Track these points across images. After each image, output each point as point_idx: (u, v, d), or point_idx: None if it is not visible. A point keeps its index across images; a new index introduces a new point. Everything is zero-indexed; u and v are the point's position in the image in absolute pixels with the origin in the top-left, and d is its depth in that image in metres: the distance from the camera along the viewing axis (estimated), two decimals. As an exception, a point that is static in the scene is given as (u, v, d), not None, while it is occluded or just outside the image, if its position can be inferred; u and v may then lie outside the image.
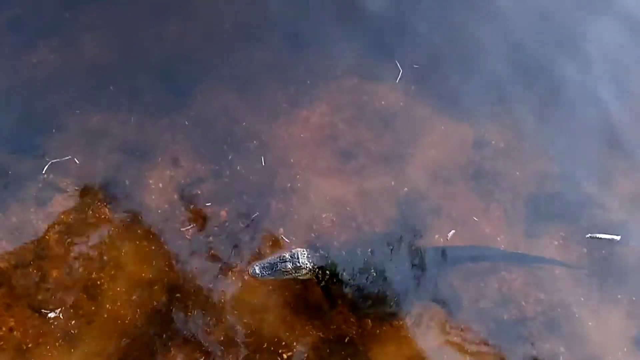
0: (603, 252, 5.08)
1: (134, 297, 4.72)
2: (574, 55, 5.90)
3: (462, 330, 4.76)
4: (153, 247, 4.89)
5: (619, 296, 4.96)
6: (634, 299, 4.96)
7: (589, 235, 5.06)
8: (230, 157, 5.24)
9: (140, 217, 5.00)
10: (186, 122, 5.37)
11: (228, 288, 4.79)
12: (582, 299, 4.91)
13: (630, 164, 5.45)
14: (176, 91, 5.51)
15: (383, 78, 5.65)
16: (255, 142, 5.33)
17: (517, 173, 5.33)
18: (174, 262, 4.84)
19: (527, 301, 4.87)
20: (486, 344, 4.75)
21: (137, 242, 4.91)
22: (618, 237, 5.06)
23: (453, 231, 5.02)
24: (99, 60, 5.58)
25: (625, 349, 4.81)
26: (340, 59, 5.70)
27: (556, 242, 5.09)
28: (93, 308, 4.68)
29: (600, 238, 5.07)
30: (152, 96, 5.47)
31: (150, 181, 5.12)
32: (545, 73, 5.81)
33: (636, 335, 4.86)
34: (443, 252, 4.94)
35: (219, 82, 5.56)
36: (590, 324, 4.85)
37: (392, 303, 4.80)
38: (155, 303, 4.70)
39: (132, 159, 5.20)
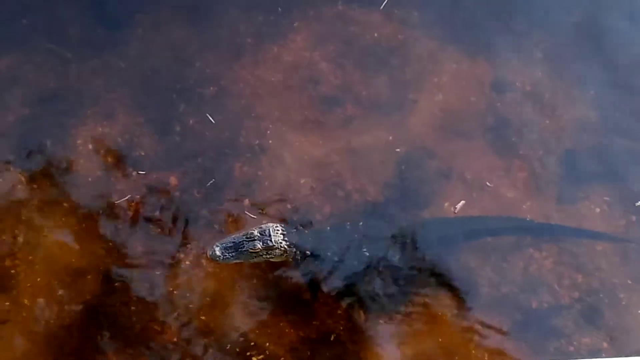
0: None
1: (59, 290, 4.38)
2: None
3: (479, 322, 4.48)
4: (83, 226, 4.58)
5: None
6: None
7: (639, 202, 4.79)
8: (180, 108, 4.97)
9: (65, 188, 4.73)
10: (123, 64, 5.17)
11: (181, 275, 4.51)
12: (630, 281, 4.62)
13: None
14: (109, 23, 5.34)
15: (375, 2, 5.36)
16: (212, 88, 5.09)
17: (548, 122, 5.08)
18: (111, 244, 4.55)
19: (561, 285, 4.60)
20: (510, 338, 4.45)
21: (63, 220, 4.63)
22: None
23: (463, 201, 4.76)
24: (6, -17, 5.30)
25: None
26: None
27: (598, 209, 4.82)
28: (7, 304, 4.39)
29: None
30: (78, 30, 5.23)
31: (78, 141, 4.84)
32: None
33: (695, 327, 4.58)
34: (455, 224, 4.70)
35: (164, 11, 5.40)
36: (638, 312, 4.51)
37: (389, 290, 4.53)
38: (88, 297, 4.40)
39: (54, 112, 4.97)
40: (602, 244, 4.73)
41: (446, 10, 5.40)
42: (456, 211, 4.74)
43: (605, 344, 4.48)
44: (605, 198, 4.85)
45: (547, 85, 5.19)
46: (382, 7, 5.30)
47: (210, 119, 4.86)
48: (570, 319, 4.53)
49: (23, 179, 4.76)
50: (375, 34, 5.30)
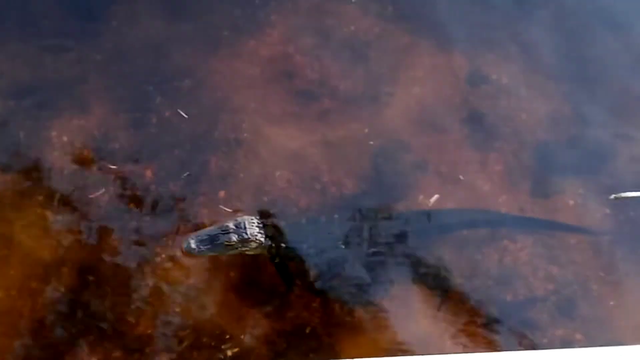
0: (631, 213, 4.83)
1: (33, 284, 4.33)
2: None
3: (454, 314, 4.50)
4: (58, 219, 4.49)
5: None
6: None
7: (614, 196, 4.82)
8: (157, 100, 4.89)
9: (39, 180, 4.62)
10: (98, 56, 5.04)
11: (156, 268, 4.45)
12: (603, 273, 4.66)
13: None
14: (85, 15, 5.20)
15: None
16: (188, 81, 5.00)
17: (524, 116, 5.08)
18: (85, 237, 4.47)
19: (536, 277, 4.62)
20: (484, 330, 4.49)
21: (37, 213, 4.51)
22: None
23: (437, 196, 4.76)
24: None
25: None
26: None
27: (572, 202, 4.84)
28: (-21, 297, 4.35)
29: (628, 197, 4.82)
30: (53, 22, 5.14)
31: (53, 133, 4.74)
32: None
33: (669, 317, 4.62)
34: (430, 217, 4.69)
35: (140, 3, 5.27)
36: (612, 303, 4.59)
37: (365, 283, 4.54)
38: (62, 290, 4.33)
39: (28, 105, 4.84)
40: (576, 236, 4.75)
41: (422, 4, 5.39)
42: (430, 205, 4.74)
43: (578, 336, 4.51)
44: (579, 191, 4.87)
45: (522, 79, 5.20)
46: (353, 0, 5.28)
47: (183, 114, 4.83)
48: (544, 311, 4.55)
49: (-4, 171, 4.69)
50: (352, 28, 5.28)
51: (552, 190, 4.88)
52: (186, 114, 4.82)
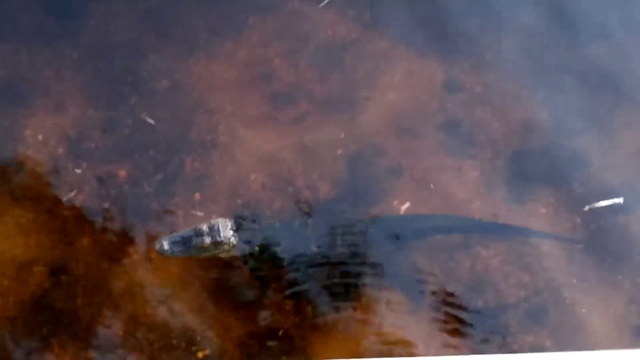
0: (602, 222, 4.80)
1: (4, 282, 4.37)
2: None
3: (426, 319, 4.50)
4: (30, 218, 4.52)
5: (620, 277, 4.69)
6: (638, 280, 4.70)
7: (588, 207, 4.83)
8: (132, 101, 4.85)
9: (12, 179, 4.63)
10: (75, 55, 4.96)
11: (128, 269, 4.46)
12: (575, 280, 4.65)
13: (635, 111, 5.20)
14: (62, 13, 5.11)
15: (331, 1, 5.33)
16: (165, 81, 4.94)
17: (497, 123, 5.05)
18: (58, 236, 4.49)
19: (508, 284, 4.61)
20: (456, 336, 4.50)
21: (9, 211, 4.54)
22: (620, 200, 4.82)
23: (408, 204, 4.74)
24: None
25: (626, 341, 4.57)
26: None
27: (544, 210, 4.82)
28: (-50, 296, 4.35)
29: (601, 207, 4.84)
30: (29, 20, 5.05)
31: (27, 132, 4.73)
32: None
33: (639, 325, 4.61)
34: (403, 222, 4.70)
35: (118, 2, 5.17)
36: (583, 311, 4.58)
37: (338, 286, 4.54)
38: (33, 289, 4.36)
39: (3, 102, 4.82)
40: (548, 243, 4.73)
41: (399, 11, 5.35)
42: (401, 213, 4.73)
43: (548, 342, 4.50)
44: (552, 199, 4.85)
45: (497, 88, 5.18)
46: (321, 5, 5.26)
47: (150, 120, 4.83)
48: (515, 318, 4.53)
49: (-32, 168, 4.63)
50: (329, 32, 5.23)
51: (525, 198, 4.86)
52: (154, 120, 4.82)
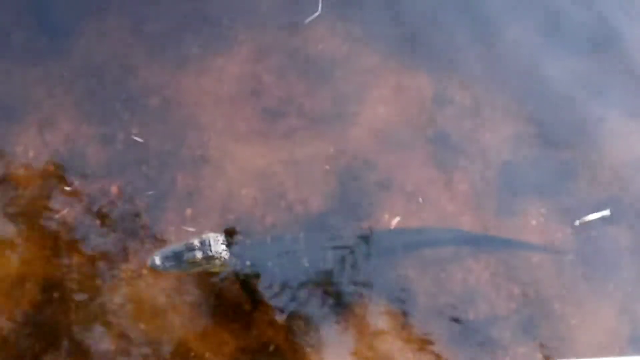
0: (592, 233, 4.88)
1: None
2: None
3: (418, 332, 4.54)
4: (23, 235, 4.53)
5: (610, 287, 4.77)
6: (629, 290, 4.77)
7: (578, 222, 4.87)
8: (124, 117, 4.91)
9: (5, 195, 4.63)
10: (66, 72, 5.06)
11: (121, 284, 4.49)
12: (565, 291, 4.73)
13: (622, 124, 5.24)
14: (53, 31, 5.20)
15: (321, 16, 5.32)
16: (156, 98, 5.01)
17: (487, 136, 5.11)
18: (50, 252, 4.50)
19: (499, 296, 4.67)
20: (447, 348, 4.54)
21: (1, 228, 4.54)
22: (608, 212, 4.88)
23: (398, 218, 4.77)
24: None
25: (617, 352, 4.63)
26: None
27: (534, 222, 4.89)
28: (-57, 313, 4.32)
29: (591, 220, 4.89)
30: (22, 38, 5.11)
31: (19, 148, 4.77)
32: (523, 6, 5.55)
33: (631, 335, 4.69)
34: (394, 235, 4.72)
35: (109, 19, 5.24)
36: (574, 322, 4.66)
37: (329, 301, 4.56)
38: (26, 305, 4.37)
39: None
40: (538, 255, 4.79)
41: (388, 25, 5.37)
42: (392, 227, 4.73)
43: (539, 354, 4.55)
44: (542, 211, 4.90)
45: (486, 100, 5.21)
46: (307, 21, 5.27)
47: (138, 139, 4.81)
48: (507, 330, 4.59)
49: (-40, 185, 4.63)
50: (319, 47, 5.25)
51: (515, 210, 4.90)
52: (143, 138, 4.81)
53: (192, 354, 4.36)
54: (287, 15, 5.32)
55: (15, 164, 4.72)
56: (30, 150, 4.75)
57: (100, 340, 4.33)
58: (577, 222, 4.86)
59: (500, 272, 4.72)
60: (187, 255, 4.28)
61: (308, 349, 4.46)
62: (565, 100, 5.28)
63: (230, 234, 4.56)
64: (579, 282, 4.75)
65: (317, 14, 5.26)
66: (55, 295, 4.38)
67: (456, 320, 4.59)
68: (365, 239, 4.67)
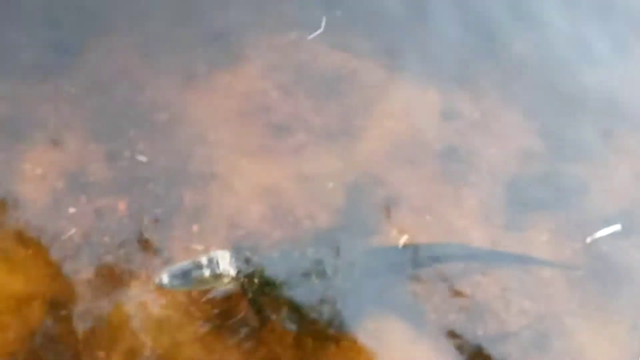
0: (603, 248, 4.85)
1: (4, 317, 4.27)
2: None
3: (428, 348, 4.48)
4: (30, 252, 4.46)
5: (622, 303, 4.73)
6: None
7: (589, 239, 4.86)
8: (131, 133, 4.88)
9: (11, 213, 4.56)
10: (74, 89, 5.01)
11: (129, 302, 4.39)
12: (576, 307, 4.69)
13: (632, 138, 5.28)
14: (61, 48, 5.18)
15: (326, 32, 5.38)
16: (163, 114, 4.99)
17: (496, 150, 5.11)
18: (57, 270, 4.42)
19: (509, 312, 4.61)
20: None
21: (8, 245, 4.48)
22: (619, 227, 4.87)
23: (406, 236, 4.72)
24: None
25: None
26: (272, 7, 5.42)
27: (544, 237, 4.86)
28: (-51, 331, 4.26)
29: (602, 236, 4.88)
30: (29, 55, 5.11)
31: (27, 166, 4.71)
32: (531, 19, 5.59)
33: (643, 351, 4.62)
34: (403, 252, 4.66)
35: (116, 36, 5.24)
36: (585, 338, 4.61)
37: (338, 318, 4.49)
38: (33, 324, 4.27)
39: (1, 136, 4.81)
40: (548, 270, 4.76)
41: (396, 40, 5.41)
42: (400, 246, 4.69)
43: None
44: (551, 226, 4.89)
45: (495, 115, 5.23)
46: (310, 37, 5.32)
47: (142, 159, 4.81)
48: (517, 346, 4.53)
49: (-32, 204, 4.60)
50: (326, 62, 5.29)
51: (525, 225, 4.88)
52: (146, 157, 4.80)
53: (200, 371, 4.27)
54: (294, 31, 5.32)
55: (22, 182, 4.68)
56: (37, 167, 4.72)
57: (106, 357, 4.23)
58: (588, 240, 4.84)
59: (510, 288, 4.68)
60: (195, 273, 4.22)
61: (317, 367, 4.39)
62: (575, 114, 5.28)
63: (238, 250, 4.49)
64: (590, 298, 4.70)
65: (320, 30, 5.29)
66: (63, 313, 4.30)
67: (466, 336, 4.52)
68: (374, 254, 4.64)
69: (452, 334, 4.53)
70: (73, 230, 4.53)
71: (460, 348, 4.50)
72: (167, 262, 4.51)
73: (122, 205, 4.65)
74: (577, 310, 4.67)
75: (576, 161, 5.16)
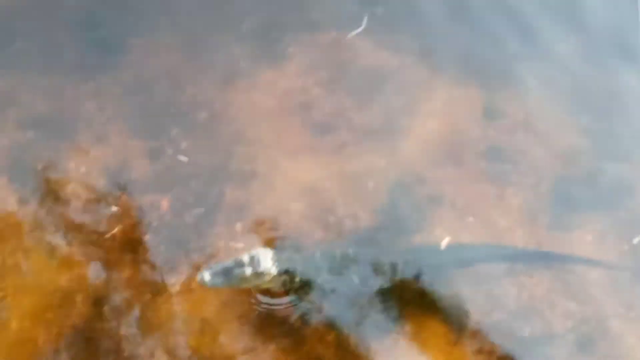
0: None
1: (48, 313, 4.34)
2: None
3: (472, 348, 4.42)
4: (73, 249, 4.51)
5: None
6: None
7: (636, 239, 4.72)
8: (173, 132, 4.88)
9: (56, 210, 4.62)
10: (116, 89, 5.02)
11: (170, 300, 4.42)
12: (623, 309, 4.55)
13: None
14: (104, 47, 5.18)
15: (368, 30, 5.34)
16: (205, 112, 4.97)
17: (540, 150, 5.00)
18: (100, 266, 4.48)
19: (554, 313, 4.51)
20: None
21: (52, 243, 4.53)
22: None
23: (448, 238, 4.64)
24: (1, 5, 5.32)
25: None
26: (313, 4, 5.40)
27: (590, 237, 4.73)
28: (-6, 326, 4.35)
29: None
30: (73, 53, 5.12)
31: (70, 164, 4.77)
32: (573, 18, 5.48)
33: (692, 356, 4.47)
34: (447, 251, 4.60)
35: (159, 35, 5.23)
36: (632, 340, 4.48)
37: (380, 317, 4.44)
38: (75, 320, 4.33)
39: (47, 135, 4.85)
40: (594, 271, 4.64)
41: (439, 38, 5.35)
42: (443, 246, 4.64)
43: None
44: (597, 226, 4.77)
45: (540, 114, 5.13)
46: (349, 35, 5.28)
47: (183, 159, 4.82)
48: (563, 348, 4.43)
49: (13, 201, 4.66)
50: (369, 60, 5.24)
51: (570, 225, 4.78)
52: (188, 157, 4.81)
53: (242, 370, 4.28)
54: (335, 28, 5.30)
55: (67, 179, 4.74)
56: (81, 166, 4.78)
57: (149, 356, 4.27)
58: (635, 241, 4.72)
59: (555, 289, 4.59)
60: (237, 271, 4.19)
61: (358, 366, 4.35)
62: (621, 112, 5.20)
63: (279, 249, 4.50)
64: (637, 300, 4.58)
65: (361, 28, 5.25)
66: (105, 309, 4.35)
67: (510, 337, 4.44)
68: (417, 254, 4.60)
69: (497, 334, 4.46)
70: (116, 228, 4.57)
71: (505, 348, 4.42)
72: (209, 260, 4.52)
73: (164, 203, 4.68)
74: (623, 312, 4.54)
75: (622, 160, 5.05)
